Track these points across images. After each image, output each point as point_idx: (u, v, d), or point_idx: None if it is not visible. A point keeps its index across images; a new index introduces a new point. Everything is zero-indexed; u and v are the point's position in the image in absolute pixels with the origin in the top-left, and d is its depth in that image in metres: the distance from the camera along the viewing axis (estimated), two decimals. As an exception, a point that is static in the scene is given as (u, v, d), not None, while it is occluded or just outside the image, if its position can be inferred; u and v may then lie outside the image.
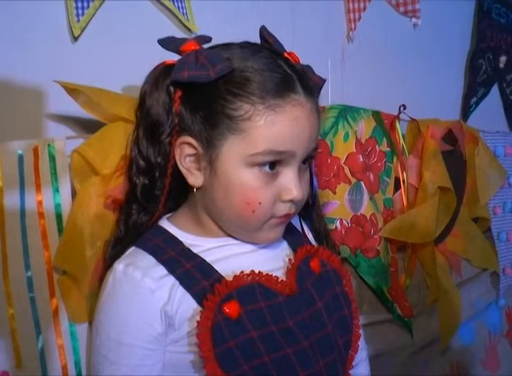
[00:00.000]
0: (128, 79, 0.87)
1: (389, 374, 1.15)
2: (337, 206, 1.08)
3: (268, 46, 0.71)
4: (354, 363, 0.78)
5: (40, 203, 0.79)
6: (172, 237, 0.71)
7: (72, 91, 0.81)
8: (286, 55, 0.69)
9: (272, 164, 0.65)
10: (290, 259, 0.72)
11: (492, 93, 1.50)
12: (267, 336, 0.65)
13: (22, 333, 0.77)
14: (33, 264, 0.78)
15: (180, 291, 0.66)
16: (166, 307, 0.65)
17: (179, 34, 0.94)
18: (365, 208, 1.10)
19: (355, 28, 1.18)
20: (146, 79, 0.70)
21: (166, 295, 0.65)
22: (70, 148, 0.80)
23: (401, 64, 1.30)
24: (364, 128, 1.12)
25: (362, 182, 1.10)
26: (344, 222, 1.08)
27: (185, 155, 0.68)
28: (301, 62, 0.71)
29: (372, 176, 1.13)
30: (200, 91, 0.65)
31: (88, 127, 0.87)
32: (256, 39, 0.72)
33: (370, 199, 1.11)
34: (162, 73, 0.68)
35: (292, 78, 0.65)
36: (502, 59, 1.51)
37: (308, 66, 0.72)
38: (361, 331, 0.78)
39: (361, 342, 0.79)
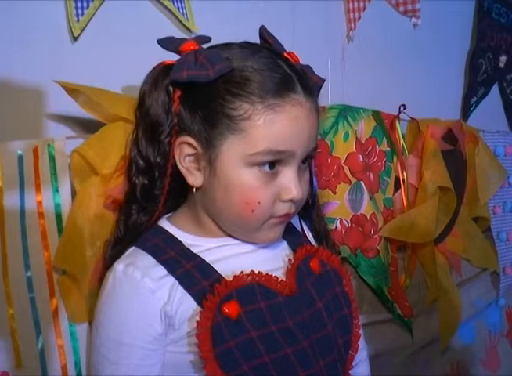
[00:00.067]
0: (127, 79, 0.87)
1: (389, 374, 1.15)
2: (337, 206, 1.08)
3: (267, 46, 0.71)
4: (354, 363, 0.78)
5: (40, 203, 0.79)
6: (172, 237, 0.71)
7: (72, 91, 0.81)
8: (285, 55, 0.69)
9: (272, 164, 0.65)
10: (289, 259, 0.72)
11: (492, 93, 1.50)
12: (267, 336, 0.65)
13: (22, 333, 0.77)
14: (33, 264, 0.78)
15: (180, 291, 0.66)
16: (166, 307, 0.65)
17: (179, 34, 0.94)
18: (366, 208, 1.10)
19: (354, 28, 1.18)
20: (146, 79, 0.70)
21: (166, 295, 0.65)
22: (70, 148, 0.80)
23: (401, 64, 1.30)
24: (364, 127, 1.12)
25: (362, 182, 1.10)
26: (344, 221, 1.08)
27: (185, 155, 0.68)
28: (300, 62, 0.71)
29: (372, 176, 1.13)
30: (199, 91, 0.65)
31: (87, 127, 0.87)
32: (256, 39, 0.72)
33: (370, 199, 1.11)
34: (161, 73, 0.67)
35: (291, 78, 0.65)
36: (503, 58, 1.51)
37: (308, 66, 0.72)
38: (361, 331, 0.78)
39: (361, 342, 0.79)
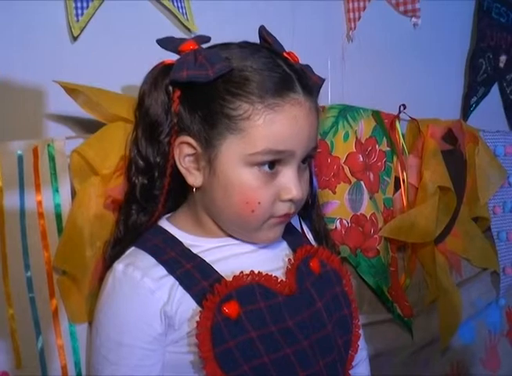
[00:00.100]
0: (127, 79, 0.87)
1: (389, 374, 1.15)
2: (337, 206, 1.08)
3: (267, 46, 0.71)
4: (354, 363, 0.78)
5: (40, 203, 0.79)
6: (172, 237, 0.71)
7: (71, 91, 0.81)
8: (285, 54, 0.69)
9: (272, 164, 0.65)
10: (289, 259, 0.72)
11: (492, 93, 1.50)
12: (266, 336, 0.65)
13: (22, 333, 0.77)
14: (32, 264, 0.78)
15: (180, 292, 0.66)
16: (165, 307, 0.65)
17: (179, 34, 0.94)
18: (366, 208, 1.10)
19: (354, 28, 1.18)
20: (145, 79, 0.69)
21: (165, 296, 0.65)
22: (70, 148, 0.80)
23: (401, 64, 1.30)
24: (364, 127, 1.12)
25: (362, 182, 1.10)
26: (344, 221, 1.08)
27: (185, 155, 0.68)
28: (300, 61, 0.71)
29: (372, 176, 1.13)
30: (198, 90, 0.65)
31: (87, 127, 0.87)
32: (256, 39, 0.72)
33: (370, 199, 1.11)
34: (161, 73, 0.67)
35: (291, 78, 0.65)
36: (503, 58, 1.51)
37: (307, 66, 0.72)
38: (361, 331, 0.78)
39: (361, 342, 0.79)
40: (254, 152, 0.64)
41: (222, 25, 0.97)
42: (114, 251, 0.72)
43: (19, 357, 0.77)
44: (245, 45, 0.67)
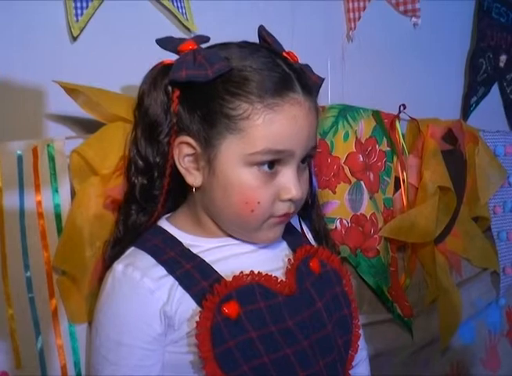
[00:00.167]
0: (127, 79, 0.87)
1: (389, 374, 1.15)
2: (337, 206, 1.08)
3: (266, 46, 0.70)
4: (354, 363, 0.78)
5: (39, 203, 0.79)
6: (171, 238, 0.71)
7: (71, 91, 0.81)
8: (284, 54, 0.69)
9: (271, 164, 0.65)
10: (289, 259, 0.72)
11: (492, 92, 1.50)
12: (266, 336, 0.65)
13: (21, 333, 0.77)
14: (32, 264, 0.78)
15: (179, 292, 0.65)
16: (165, 307, 0.65)
17: (178, 33, 0.94)
18: (366, 208, 1.10)
19: (354, 28, 1.18)
20: (144, 79, 0.69)
21: (165, 296, 0.65)
22: (70, 148, 0.80)
23: (401, 64, 1.30)
24: (364, 127, 1.12)
25: (362, 182, 1.10)
26: (344, 221, 1.08)
27: (184, 155, 0.68)
28: (299, 61, 0.71)
29: (372, 176, 1.13)
30: (198, 90, 0.65)
31: (87, 127, 0.87)
32: (255, 39, 0.72)
33: (370, 198, 1.11)
34: (160, 72, 0.67)
35: (290, 77, 0.65)
36: (503, 58, 1.51)
37: (307, 66, 0.72)
38: (361, 331, 0.78)
39: (361, 342, 0.79)
40: (254, 152, 0.63)
41: (222, 25, 0.97)
42: (114, 251, 0.72)
43: (19, 357, 0.77)
44: (244, 45, 0.67)
